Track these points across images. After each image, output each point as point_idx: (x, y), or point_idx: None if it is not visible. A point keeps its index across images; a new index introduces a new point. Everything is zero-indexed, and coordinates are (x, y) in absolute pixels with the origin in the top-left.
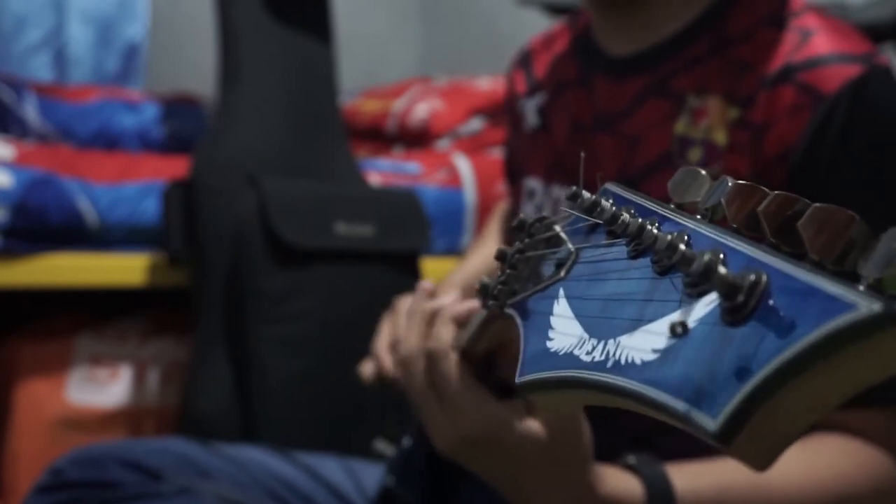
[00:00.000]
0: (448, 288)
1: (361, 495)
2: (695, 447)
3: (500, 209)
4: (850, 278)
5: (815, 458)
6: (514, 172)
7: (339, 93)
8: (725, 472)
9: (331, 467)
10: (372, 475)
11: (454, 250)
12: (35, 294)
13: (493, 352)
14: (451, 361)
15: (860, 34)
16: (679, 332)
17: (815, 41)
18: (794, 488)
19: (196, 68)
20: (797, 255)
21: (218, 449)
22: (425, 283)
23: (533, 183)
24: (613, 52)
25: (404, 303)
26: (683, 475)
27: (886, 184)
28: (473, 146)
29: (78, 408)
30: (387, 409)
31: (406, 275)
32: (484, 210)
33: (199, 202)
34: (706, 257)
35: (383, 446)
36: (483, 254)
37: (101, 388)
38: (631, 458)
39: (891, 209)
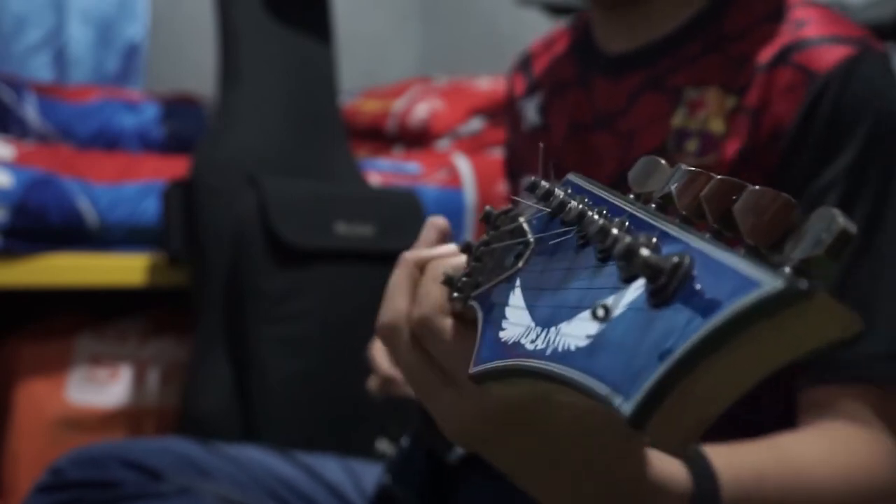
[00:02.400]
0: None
1: (361, 495)
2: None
3: None
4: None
5: (836, 445)
6: (513, 172)
7: (339, 93)
8: (760, 456)
9: (331, 467)
10: (372, 475)
11: None
12: (35, 294)
13: None
14: (445, 321)
15: (855, 24)
16: (600, 315)
17: (809, 27)
18: (819, 476)
19: (196, 68)
20: (737, 241)
21: (218, 449)
22: (437, 220)
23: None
24: (611, 50)
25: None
26: (721, 457)
27: (875, 165)
28: (473, 146)
29: (78, 408)
30: (388, 410)
31: None
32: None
33: (199, 202)
34: (627, 239)
35: (385, 446)
36: None
37: (101, 388)
38: None
39: (879, 191)
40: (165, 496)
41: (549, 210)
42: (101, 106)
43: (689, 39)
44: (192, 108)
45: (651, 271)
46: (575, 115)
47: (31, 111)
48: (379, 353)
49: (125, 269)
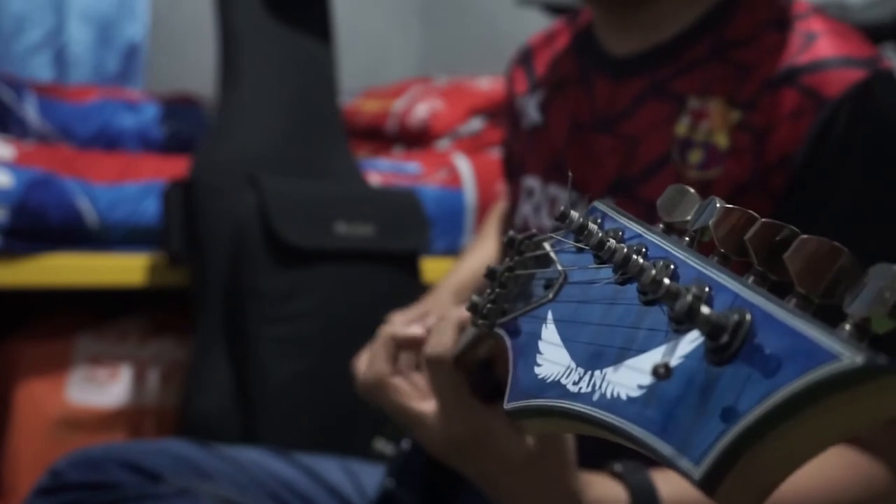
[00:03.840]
0: (441, 289)
1: (361, 496)
2: None
3: (498, 209)
4: (836, 313)
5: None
6: (511, 171)
7: (339, 93)
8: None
9: (331, 468)
10: (372, 476)
11: (454, 250)
12: (35, 294)
13: (487, 359)
14: (448, 369)
15: (864, 38)
16: (662, 373)
17: (819, 44)
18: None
19: (196, 68)
20: (783, 284)
21: (218, 450)
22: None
23: (531, 182)
24: (614, 51)
25: (397, 317)
26: (669, 482)
27: (888, 191)
28: (473, 146)
29: (78, 408)
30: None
31: (406, 275)
32: (484, 210)
33: (199, 202)
34: (690, 296)
35: (382, 445)
36: (479, 255)
37: (101, 388)
38: (617, 466)
39: (892, 217)
40: (165, 498)
41: (588, 248)
42: (101, 106)
43: (692, 44)
44: (192, 108)
45: (712, 328)
46: (575, 114)
47: (31, 111)
48: (361, 363)
49: (125, 269)
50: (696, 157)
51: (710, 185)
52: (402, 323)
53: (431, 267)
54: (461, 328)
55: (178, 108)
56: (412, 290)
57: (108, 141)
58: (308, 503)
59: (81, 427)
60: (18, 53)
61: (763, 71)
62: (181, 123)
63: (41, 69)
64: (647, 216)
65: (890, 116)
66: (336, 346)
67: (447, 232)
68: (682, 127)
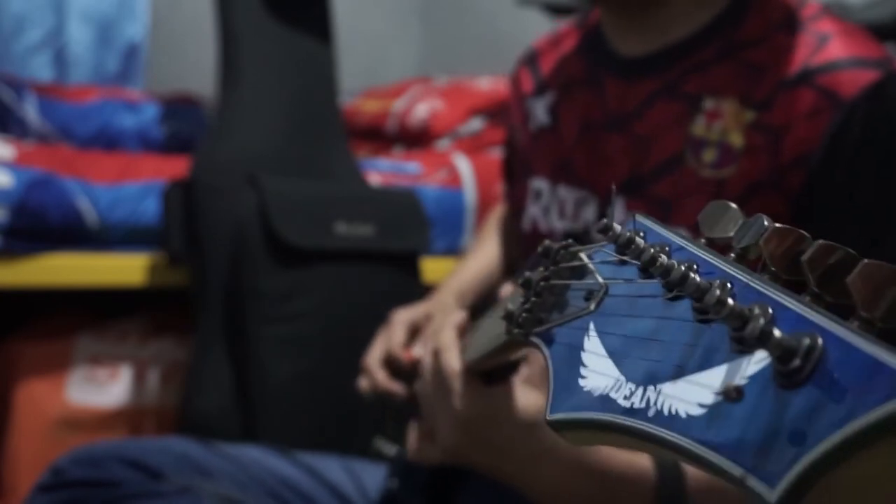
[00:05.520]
0: (444, 291)
1: (362, 495)
2: None
3: (497, 212)
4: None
5: None
6: (514, 173)
7: (339, 93)
8: None
9: (331, 467)
10: (373, 475)
11: (454, 250)
12: (35, 294)
13: (494, 369)
14: (454, 357)
15: (875, 39)
16: (733, 394)
17: (832, 45)
18: None
19: (196, 68)
20: (842, 306)
21: (219, 448)
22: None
23: (539, 183)
24: (624, 52)
25: (398, 316)
26: None
27: None
28: (473, 146)
29: (78, 408)
30: (387, 411)
31: (406, 275)
32: (484, 210)
33: (199, 202)
34: (760, 320)
35: (382, 444)
36: (480, 258)
37: (101, 388)
38: None
39: None
40: (166, 495)
41: (637, 262)
42: (101, 106)
43: (704, 45)
44: (192, 108)
45: (783, 352)
46: (586, 115)
47: (31, 111)
48: (374, 355)
49: (125, 269)
50: (709, 155)
51: (724, 184)
52: (402, 323)
53: (431, 267)
54: (461, 333)
55: (178, 108)
56: (412, 290)
57: (108, 141)
58: (309, 502)
59: (81, 427)
60: (18, 53)
61: (776, 71)
62: (181, 123)
63: (41, 69)
64: (659, 215)
65: None
66: (336, 346)
67: (447, 232)
68: (697, 127)
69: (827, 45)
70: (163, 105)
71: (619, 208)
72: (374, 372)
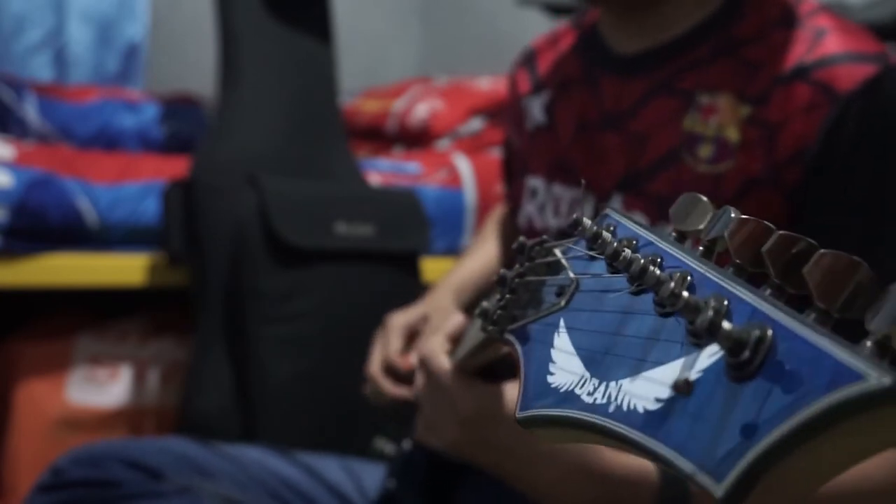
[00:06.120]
0: (441, 290)
1: (362, 495)
2: None
3: (497, 213)
4: (857, 327)
5: None
6: (513, 172)
7: (339, 93)
8: None
9: (331, 467)
10: (372, 475)
11: (454, 250)
12: (35, 294)
13: (485, 368)
14: (442, 358)
15: (871, 35)
16: (683, 388)
17: (828, 40)
18: None
19: (196, 68)
20: (801, 297)
21: (218, 448)
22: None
23: (535, 182)
24: (620, 50)
25: (394, 321)
26: None
27: None
28: (473, 146)
29: (78, 408)
30: (386, 410)
31: (406, 275)
32: (484, 210)
33: (199, 202)
34: (710, 311)
35: (382, 444)
36: (478, 256)
37: (101, 388)
38: None
39: None
40: (166, 495)
41: (603, 257)
42: (101, 106)
43: (700, 42)
44: (192, 108)
45: (733, 344)
46: (582, 113)
47: (31, 111)
48: (374, 364)
49: (125, 269)
50: (706, 151)
51: (721, 179)
52: (397, 329)
53: (431, 267)
54: (455, 339)
55: (178, 108)
56: (412, 290)
57: (108, 141)
58: (308, 502)
59: (81, 427)
60: (18, 53)
61: (772, 67)
62: (181, 123)
63: (41, 69)
64: (656, 211)
65: None
66: (336, 346)
67: (447, 232)
68: (690, 122)
69: (823, 40)
70: (163, 105)
71: (617, 206)
72: (380, 381)
